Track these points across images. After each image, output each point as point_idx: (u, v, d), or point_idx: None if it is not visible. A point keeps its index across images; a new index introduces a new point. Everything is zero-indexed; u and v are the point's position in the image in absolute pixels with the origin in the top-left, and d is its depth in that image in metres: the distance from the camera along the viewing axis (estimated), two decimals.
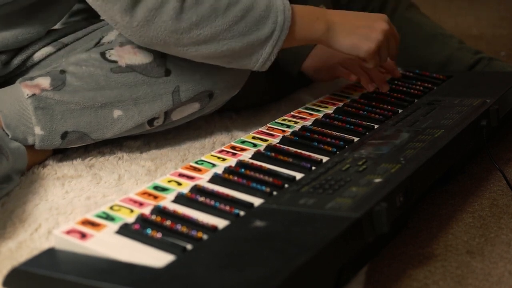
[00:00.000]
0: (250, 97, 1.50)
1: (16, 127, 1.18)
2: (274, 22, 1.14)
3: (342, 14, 1.22)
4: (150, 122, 1.26)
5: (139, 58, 1.23)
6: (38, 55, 1.27)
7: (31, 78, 1.20)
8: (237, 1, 1.13)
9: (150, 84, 1.23)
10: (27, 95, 1.18)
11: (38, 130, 1.19)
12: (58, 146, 1.22)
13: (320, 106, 1.32)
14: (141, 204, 0.93)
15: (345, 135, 1.17)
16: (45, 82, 1.19)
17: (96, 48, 1.27)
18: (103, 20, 1.35)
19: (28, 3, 1.20)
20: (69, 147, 1.25)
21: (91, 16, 1.61)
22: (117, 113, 1.23)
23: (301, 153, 1.10)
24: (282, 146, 1.12)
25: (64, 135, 1.21)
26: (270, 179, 1.00)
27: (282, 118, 1.25)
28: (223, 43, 1.14)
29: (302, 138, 1.16)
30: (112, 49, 1.24)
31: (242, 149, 1.11)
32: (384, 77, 1.36)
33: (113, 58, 1.23)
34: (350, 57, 1.37)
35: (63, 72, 1.21)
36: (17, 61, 1.25)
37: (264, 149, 1.11)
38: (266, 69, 1.19)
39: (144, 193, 0.96)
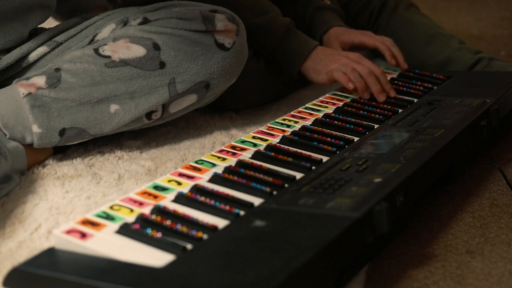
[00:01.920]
0: (250, 97, 1.50)
1: (13, 126, 1.18)
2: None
3: None
4: (148, 115, 1.27)
5: (133, 52, 1.23)
6: (33, 56, 1.27)
7: (27, 78, 1.20)
8: None
9: (145, 77, 1.23)
10: (23, 94, 1.18)
11: (35, 128, 1.19)
12: (56, 144, 1.22)
13: (320, 106, 1.32)
14: (141, 204, 0.93)
15: (345, 135, 1.17)
16: (40, 80, 1.20)
17: (90, 45, 1.27)
18: (96, 15, 1.34)
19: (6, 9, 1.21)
20: (69, 144, 1.25)
21: (84, 11, 1.61)
22: (114, 107, 1.23)
23: (301, 152, 1.10)
24: (282, 145, 1.12)
25: (62, 132, 1.21)
26: (270, 179, 1.00)
27: (282, 118, 1.25)
28: None
29: (302, 137, 1.16)
30: (105, 44, 1.24)
31: (242, 149, 1.11)
32: (381, 87, 1.36)
33: (106, 53, 1.23)
34: (348, 62, 1.38)
35: (58, 70, 1.21)
36: (5, 62, 1.25)
37: (264, 149, 1.11)
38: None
39: (144, 193, 0.96)
